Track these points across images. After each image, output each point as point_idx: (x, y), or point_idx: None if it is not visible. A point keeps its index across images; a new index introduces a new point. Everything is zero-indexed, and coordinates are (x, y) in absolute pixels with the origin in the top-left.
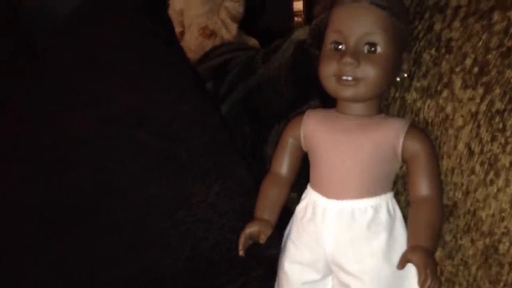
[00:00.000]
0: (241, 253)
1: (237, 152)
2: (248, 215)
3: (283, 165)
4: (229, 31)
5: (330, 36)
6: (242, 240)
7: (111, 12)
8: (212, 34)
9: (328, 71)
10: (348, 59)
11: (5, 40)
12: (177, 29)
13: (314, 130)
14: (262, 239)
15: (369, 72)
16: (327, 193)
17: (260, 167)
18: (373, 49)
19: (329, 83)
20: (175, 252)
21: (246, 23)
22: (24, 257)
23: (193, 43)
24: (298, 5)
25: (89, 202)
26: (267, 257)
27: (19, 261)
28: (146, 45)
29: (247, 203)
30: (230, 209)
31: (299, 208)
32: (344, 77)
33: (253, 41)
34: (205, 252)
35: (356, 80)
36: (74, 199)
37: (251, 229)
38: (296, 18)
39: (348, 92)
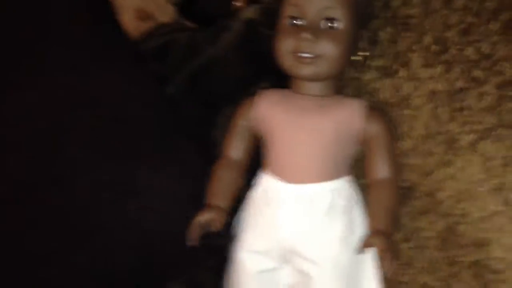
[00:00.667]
0: (192, 243)
1: (185, 136)
2: (199, 202)
3: (236, 149)
4: (166, 14)
5: (287, 10)
6: (193, 229)
7: None
8: (149, 16)
9: (285, 47)
10: (306, 35)
11: None
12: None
13: (269, 111)
14: (216, 227)
15: (328, 48)
16: (285, 177)
17: (208, 151)
18: (332, 24)
19: (286, 60)
20: (122, 244)
21: (183, 7)
22: None
23: (128, 26)
24: None
25: (29, 190)
26: (219, 247)
27: None
28: (90, 27)
29: (197, 189)
30: (179, 196)
31: (253, 194)
32: (302, 54)
33: (192, 26)
34: (153, 243)
35: (315, 57)
36: (13, 187)
37: (204, 217)
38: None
39: (306, 70)
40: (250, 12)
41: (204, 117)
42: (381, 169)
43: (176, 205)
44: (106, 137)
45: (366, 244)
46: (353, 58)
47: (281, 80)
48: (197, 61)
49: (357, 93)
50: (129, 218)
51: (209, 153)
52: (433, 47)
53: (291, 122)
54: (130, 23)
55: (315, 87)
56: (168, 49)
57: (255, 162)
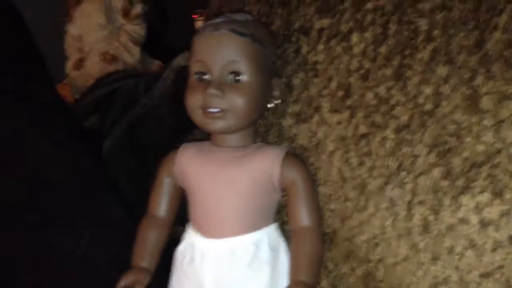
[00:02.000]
0: None
1: (112, 194)
2: (125, 265)
3: (160, 205)
4: (131, 55)
5: (194, 67)
6: None
7: None
8: (114, 59)
9: (193, 103)
10: (212, 90)
11: None
12: (77, 56)
13: (188, 166)
14: None
15: (235, 102)
16: (205, 232)
17: (142, 206)
18: (238, 77)
19: (196, 116)
20: None
21: (149, 44)
22: None
23: (94, 70)
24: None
25: None
26: None
27: None
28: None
29: (123, 251)
30: (104, 260)
31: (178, 250)
32: (210, 109)
33: (157, 63)
34: None
35: (223, 111)
36: None
37: (127, 280)
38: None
39: (216, 125)
40: (180, 59)
41: (141, 169)
42: (301, 217)
43: (99, 270)
44: (29, 200)
45: None
46: (269, 106)
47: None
48: (134, 112)
49: (279, 139)
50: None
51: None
52: (339, 93)
53: (207, 175)
54: (96, 67)
55: (230, 139)
56: (114, 98)
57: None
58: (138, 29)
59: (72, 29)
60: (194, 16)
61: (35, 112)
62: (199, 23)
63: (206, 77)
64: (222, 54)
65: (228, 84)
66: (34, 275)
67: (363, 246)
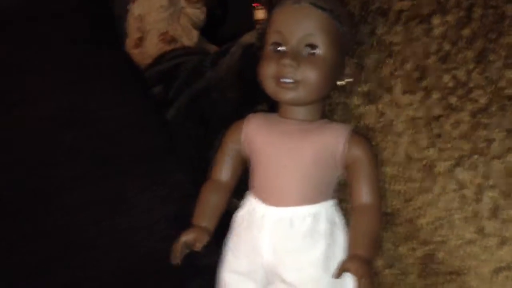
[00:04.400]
0: (176, 262)
1: (175, 157)
2: (183, 223)
3: (223, 171)
4: (189, 38)
5: (271, 37)
6: (177, 248)
7: (50, 11)
8: (173, 40)
9: (267, 72)
10: (287, 61)
11: None
12: (136, 35)
13: (255, 135)
14: (198, 247)
15: (309, 74)
16: (266, 200)
17: (205, 173)
18: (313, 51)
19: (269, 85)
20: (102, 263)
21: (208, 30)
22: None
23: (152, 49)
24: (259, 14)
25: (15, 207)
26: (206, 266)
27: None
28: (85, 46)
29: (182, 210)
30: (163, 216)
31: (238, 215)
32: (284, 79)
33: (214, 49)
34: (140, 261)
35: (295, 82)
36: (4, 204)
37: (187, 237)
38: (258, 26)
39: (287, 95)
40: (248, 37)
41: (202, 140)
42: (363, 195)
43: (163, 224)
44: (100, 156)
45: (340, 268)
46: (338, 83)
47: (276, 103)
48: (198, 84)
49: (344, 118)
50: (117, 235)
51: (203, 174)
52: (414, 74)
53: (273, 145)
54: (155, 47)
55: (299, 112)
56: (178, 71)
57: (244, 184)
58: (198, 13)
59: (135, 9)
60: (255, 5)
61: (111, 77)
62: (259, 12)
63: (282, 48)
64: (300, 26)
65: (303, 56)
66: (108, 220)
67: (426, 228)
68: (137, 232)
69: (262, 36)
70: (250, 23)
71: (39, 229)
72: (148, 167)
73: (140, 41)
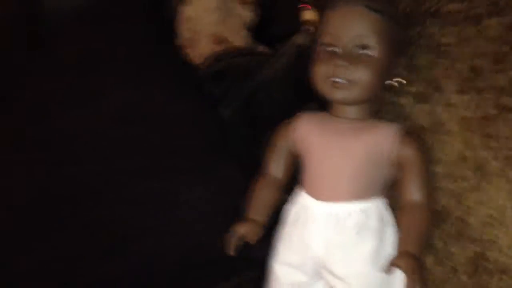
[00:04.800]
0: (231, 253)
1: (228, 154)
2: (234, 216)
3: (275, 167)
4: (240, 39)
5: (323, 38)
6: (232, 240)
7: (117, 13)
8: (223, 41)
9: (320, 72)
10: (340, 61)
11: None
12: (187, 36)
13: (306, 133)
14: (252, 240)
15: (361, 74)
16: (317, 196)
17: (253, 171)
18: (366, 51)
19: (321, 85)
20: (167, 250)
21: (258, 31)
22: (20, 247)
23: (203, 50)
24: (306, 15)
25: (85, 196)
26: (258, 259)
27: (16, 250)
28: (145, 45)
29: (233, 204)
30: (215, 210)
31: (289, 209)
32: (337, 79)
33: (264, 50)
34: (188, 253)
35: (348, 82)
36: (71, 193)
37: (242, 229)
38: (308, 27)
39: (340, 94)
40: (300, 38)
41: (252, 138)
42: (413, 193)
43: (215, 217)
44: (154, 151)
45: (391, 264)
46: (389, 83)
47: (324, 103)
48: (249, 84)
49: (394, 118)
50: (171, 227)
51: (252, 171)
52: (467, 74)
53: (325, 143)
54: (205, 47)
55: (350, 111)
56: (228, 72)
57: (294, 180)
58: (249, 14)
59: (186, 10)
60: (302, 6)
61: (170, 76)
62: (306, 13)
63: (334, 48)
64: (353, 28)
65: (355, 56)
66: (158, 215)
67: (477, 226)
68: (190, 224)
69: (313, 37)
70: (297, 24)
71: (102, 220)
72: (201, 162)
73: (190, 42)
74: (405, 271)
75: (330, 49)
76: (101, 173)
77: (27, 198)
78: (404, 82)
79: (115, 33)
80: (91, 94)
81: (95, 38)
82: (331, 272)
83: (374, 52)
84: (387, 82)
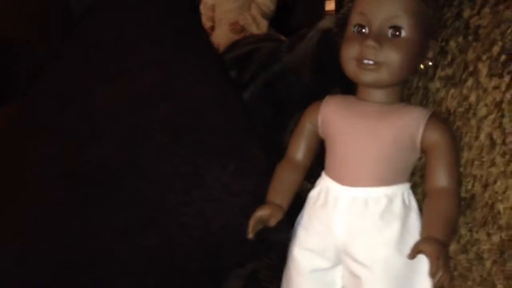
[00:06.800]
0: (250, 236)
1: (254, 135)
2: (261, 198)
3: (299, 150)
4: (259, 28)
5: (354, 19)
6: (252, 223)
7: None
8: (242, 30)
9: (349, 53)
10: (370, 42)
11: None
12: (208, 24)
13: (332, 116)
14: (272, 223)
15: (392, 56)
16: (341, 180)
17: (277, 155)
18: (397, 33)
19: (350, 66)
20: (189, 230)
21: (277, 21)
22: (49, 227)
23: (223, 38)
24: (330, 5)
25: (113, 174)
26: (278, 243)
27: (46, 231)
28: (176, 27)
29: (260, 185)
30: (243, 190)
31: (312, 194)
32: (365, 61)
33: (283, 39)
34: (216, 232)
35: (377, 64)
36: (99, 171)
37: (262, 212)
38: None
39: (368, 77)
40: (326, 22)
41: (276, 122)
42: (439, 178)
43: (240, 197)
44: (183, 130)
45: (415, 249)
46: (420, 67)
47: (350, 87)
48: (274, 68)
49: (423, 102)
50: (196, 207)
51: (276, 154)
52: (501, 57)
53: (351, 126)
54: (225, 36)
55: (378, 94)
56: (253, 56)
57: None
58: (268, 3)
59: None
60: None
61: (198, 58)
62: (330, 3)
63: (364, 30)
64: (385, 8)
65: (387, 38)
66: (183, 193)
67: (505, 213)
68: (216, 204)
69: (341, 22)
70: (319, 14)
71: (134, 195)
72: (230, 143)
73: (211, 30)
74: (429, 256)
75: (361, 30)
76: (139, 147)
77: (55, 174)
78: (431, 64)
79: (152, 18)
80: (117, 72)
81: (134, 22)
82: (353, 258)
83: (405, 33)
84: (420, 66)
